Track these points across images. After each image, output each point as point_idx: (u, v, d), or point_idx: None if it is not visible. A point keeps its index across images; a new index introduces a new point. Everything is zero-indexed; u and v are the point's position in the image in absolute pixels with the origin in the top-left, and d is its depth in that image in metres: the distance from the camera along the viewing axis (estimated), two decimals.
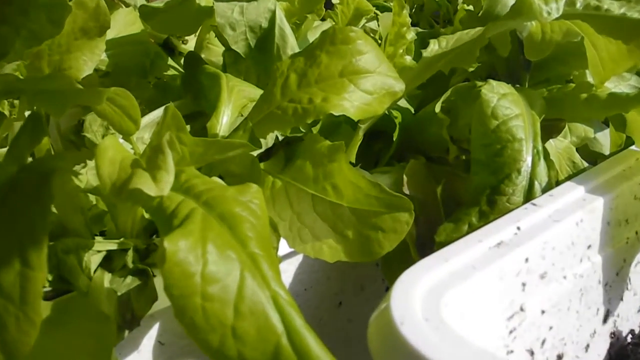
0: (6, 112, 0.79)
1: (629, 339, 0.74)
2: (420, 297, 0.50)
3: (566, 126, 0.84)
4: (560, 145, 0.82)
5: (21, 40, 0.54)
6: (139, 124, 0.59)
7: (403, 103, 0.85)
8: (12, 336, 0.37)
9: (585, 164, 0.81)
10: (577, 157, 0.81)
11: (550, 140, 0.80)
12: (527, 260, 0.59)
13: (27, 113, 0.79)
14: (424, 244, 0.72)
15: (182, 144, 0.61)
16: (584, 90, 0.80)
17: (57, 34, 0.56)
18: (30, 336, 0.37)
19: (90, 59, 0.75)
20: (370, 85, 0.65)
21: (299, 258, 0.74)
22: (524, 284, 0.59)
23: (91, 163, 0.67)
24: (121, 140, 0.67)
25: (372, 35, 1.11)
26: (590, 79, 0.81)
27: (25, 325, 0.37)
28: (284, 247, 0.64)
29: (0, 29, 0.52)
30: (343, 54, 0.66)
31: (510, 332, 0.59)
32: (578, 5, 0.75)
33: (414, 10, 1.32)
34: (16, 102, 0.79)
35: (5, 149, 0.80)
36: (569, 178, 0.77)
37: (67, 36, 0.71)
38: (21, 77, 0.77)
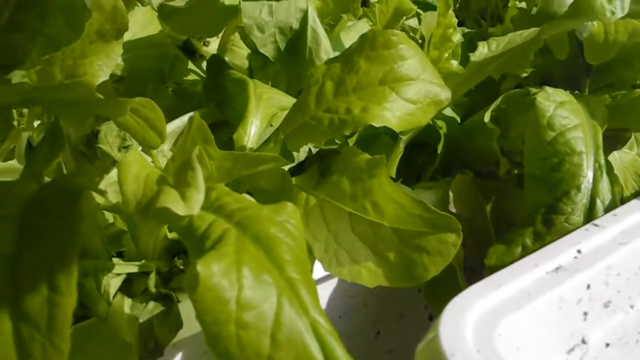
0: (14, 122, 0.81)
1: None
2: (471, 326, 0.51)
3: (632, 136, 0.85)
4: (626, 158, 0.82)
5: (38, 48, 0.56)
6: (164, 137, 0.61)
7: (448, 112, 0.85)
8: None
9: None
10: None
11: (614, 152, 0.80)
12: (588, 287, 0.60)
13: (36, 123, 0.82)
14: (472, 268, 0.73)
15: (210, 157, 0.63)
16: None
17: (76, 40, 0.58)
18: None
19: (106, 64, 0.77)
20: (413, 94, 0.66)
21: (333, 282, 0.75)
22: (585, 314, 0.60)
23: (108, 178, 0.69)
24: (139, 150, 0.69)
25: (412, 34, 1.11)
26: None
27: (53, 355, 0.39)
28: (318, 271, 0.65)
29: (16, 37, 0.53)
30: (384, 60, 0.67)
31: None
32: None
33: (458, 6, 1.32)
34: (25, 110, 0.81)
35: (12, 162, 0.84)
36: (635, 194, 0.78)
37: (82, 40, 0.73)
38: (30, 82, 0.79)
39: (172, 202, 0.48)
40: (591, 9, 0.72)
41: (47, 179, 0.75)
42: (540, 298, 0.56)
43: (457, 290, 0.69)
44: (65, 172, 0.79)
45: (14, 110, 0.79)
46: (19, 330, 0.40)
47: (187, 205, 0.48)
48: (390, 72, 0.66)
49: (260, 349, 0.44)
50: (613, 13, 0.73)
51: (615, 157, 0.80)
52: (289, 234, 0.50)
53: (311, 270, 0.61)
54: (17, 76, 0.77)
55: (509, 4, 1.05)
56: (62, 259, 0.41)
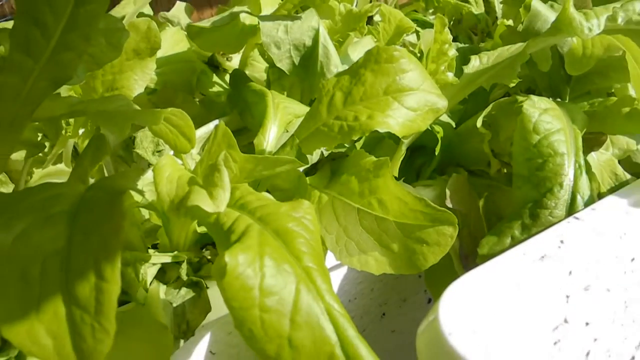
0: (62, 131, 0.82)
1: None
2: (467, 309, 0.51)
3: (608, 139, 0.84)
4: (602, 158, 0.81)
5: (83, 65, 0.57)
6: (194, 142, 0.61)
7: (444, 118, 0.85)
8: (88, 345, 0.40)
9: (628, 176, 0.80)
10: (620, 170, 0.81)
11: (592, 153, 0.80)
12: (570, 273, 0.60)
13: (81, 131, 0.83)
14: (467, 256, 0.73)
15: (234, 160, 0.64)
16: (625, 104, 0.80)
17: (116, 57, 0.59)
18: (105, 344, 0.39)
19: (141, 78, 0.78)
20: (414, 103, 0.66)
21: (343, 270, 0.75)
22: (567, 297, 0.60)
23: (144, 179, 0.70)
24: (171, 154, 0.69)
25: (412, 49, 1.12)
26: (632, 92, 0.82)
27: (101, 335, 0.40)
28: (330, 260, 0.65)
29: (65, 56, 0.54)
30: (387, 73, 0.67)
31: (555, 343, 0.60)
32: (619, 20, 0.75)
33: (452, 23, 1.32)
34: (71, 120, 0.81)
35: (60, 165, 0.84)
36: (611, 190, 0.78)
37: (120, 57, 0.73)
38: (76, 95, 0.80)
39: (202, 200, 0.49)
40: (571, 26, 0.72)
41: (91, 180, 0.76)
42: (528, 283, 0.57)
43: (454, 276, 0.69)
44: (106, 173, 0.80)
45: (63, 120, 0.79)
46: (71, 313, 0.41)
47: (215, 203, 0.49)
48: (393, 84, 0.67)
49: (281, 330, 0.44)
50: (590, 30, 0.73)
51: (593, 157, 0.79)
52: (305, 228, 0.50)
53: (325, 254, 0.62)
54: (64, 90, 0.78)
55: (498, 22, 1.05)
56: (108, 251, 0.41)
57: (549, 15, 0.88)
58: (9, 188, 0.83)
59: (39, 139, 0.81)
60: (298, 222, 0.50)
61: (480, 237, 0.71)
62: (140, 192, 0.61)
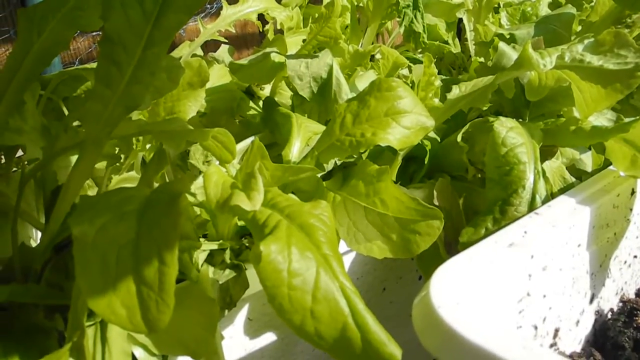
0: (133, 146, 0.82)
1: (609, 316, 0.74)
2: (453, 286, 0.51)
3: (558, 150, 0.84)
4: (554, 165, 0.81)
5: (149, 95, 0.56)
6: (234, 154, 0.61)
7: (432, 134, 0.85)
8: (153, 315, 0.39)
9: (573, 179, 0.80)
10: (567, 174, 0.80)
11: (546, 161, 0.80)
12: (532, 257, 0.59)
13: (148, 145, 0.82)
14: (450, 243, 0.72)
15: (266, 169, 0.63)
16: (572, 123, 0.79)
17: (174, 89, 0.58)
18: (166, 315, 0.39)
19: (194, 105, 0.78)
20: (408, 122, 0.66)
21: (352, 255, 0.74)
22: (530, 275, 0.60)
23: (196, 183, 0.69)
24: (216, 163, 0.69)
25: (404, 80, 1.11)
26: (576, 114, 0.81)
27: (163, 307, 0.39)
28: (342, 246, 0.64)
29: (135, 88, 0.54)
30: (387, 99, 0.66)
31: (520, 312, 0.59)
32: (566, 58, 0.74)
33: (435, 60, 1.31)
34: (140, 137, 0.81)
35: (132, 172, 0.84)
36: (561, 191, 0.77)
37: (178, 88, 0.73)
38: (143, 118, 0.80)
39: (241, 201, 0.48)
40: (530, 63, 0.72)
41: (155, 185, 0.75)
42: (499, 265, 0.56)
43: (440, 259, 0.69)
44: (167, 179, 0.80)
45: (134, 138, 0.79)
46: (140, 290, 0.40)
47: (252, 203, 0.48)
48: (392, 108, 0.66)
49: (304, 304, 0.44)
50: (545, 66, 0.72)
51: (547, 165, 0.79)
52: (323, 223, 0.49)
53: (339, 243, 0.61)
54: (135, 114, 0.78)
55: (472, 59, 1.04)
56: (168, 242, 0.41)
57: (512, 54, 0.87)
58: (94, 190, 0.83)
59: (116, 152, 0.81)
60: (318, 218, 0.50)
61: (460, 228, 0.70)
62: (193, 195, 0.61)
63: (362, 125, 0.66)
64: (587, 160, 0.88)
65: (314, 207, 0.51)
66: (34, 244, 0.77)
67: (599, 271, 0.71)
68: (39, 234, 0.76)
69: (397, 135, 0.64)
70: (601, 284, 0.72)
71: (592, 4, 1.19)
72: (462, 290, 0.50)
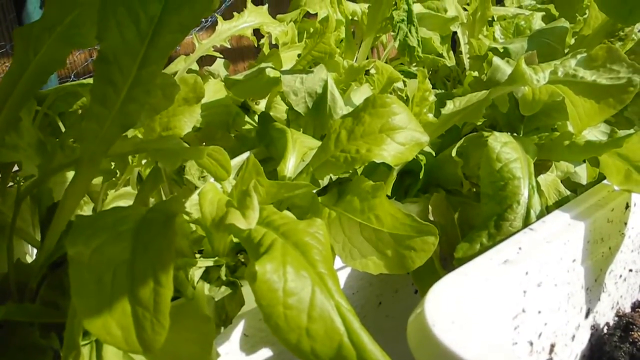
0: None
1: (605, 330, 0.74)
2: (448, 304, 0.51)
3: (552, 164, 0.84)
4: (549, 179, 0.81)
5: (145, 113, 0.56)
6: (229, 172, 0.61)
7: (427, 148, 0.85)
8: (148, 335, 0.39)
9: (568, 192, 0.80)
10: (562, 187, 0.81)
11: (541, 175, 0.80)
12: (527, 273, 0.60)
13: (144, 161, 0.83)
14: (445, 259, 0.73)
15: (261, 185, 0.63)
16: (566, 137, 0.80)
17: (170, 106, 0.59)
18: (162, 335, 0.39)
19: (189, 120, 0.78)
20: (403, 139, 0.66)
21: (348, 269, 0.74)
22: (525, 291, 0.60)
23: (192, 200, 0.69)
24: (211, 180, 0.69)
25: (399, 93, 1.11)
26: (570, 128, 0.82)
27: (158, 328, 0.39)
28: (338, 262, 0.65)
29: (131, 107, 0.54)
30: (382, 115, 0.66)
31: (515, 328, 0.59)
32: (559, 73, 0.75)
33: (430, 72, 1.31)
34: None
35: (127, 188, 0.84)
36: (556, 204, 0.77)
37: (173, 105, 0.74)
38: (139, 135, 0.80)
39: (236, 219, 0.48)
40: (523, 78, 0.72)
41: (152, 200, 0.76)
42: (494, 282, 0.56)
43: (435, 274, 0.69)
44: (163, 194, 0.80)
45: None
46: (135, 311, 0.41)
47: (247, 221, 0.48)
48: (387, 124, 0.66)
49: (300, 323, 0.44)
50: (538, 81, 0.73)
51: (541, 178, 0.79)
52: (318, 241, 0.49)
53: (334, 261, 0.61)
54: (130, 130, 0.78)
55: (466, 72, 1.04)
56: (163, 262, 0.41)
57: (506, 69, 0.88)
58: (89, 206, 0.83)
59: (112, 167, 0.81)
60: (313, 236, 0.50)
61: (456, 243, 0.70)
62: (188, 214, 0.61)
63: (356, 142, 0.66)
64: (582, 173, 0.88)
65: (309, 225, 0.51)
66: (29, 260, 0.77)
67: (594, 286, 0.71)
68: (35, 249, 0.76)
69: (391, 152, 0.64)
70: (597, 299, 0.73)
71: (585, 16, 1.20)
72: (457, 308, 0.50)
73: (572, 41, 1.17)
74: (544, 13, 1.38)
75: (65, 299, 0.60)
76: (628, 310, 0.78)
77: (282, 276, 0.45)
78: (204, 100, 0.82)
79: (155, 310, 0.40)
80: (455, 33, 1.34)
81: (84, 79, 1.22)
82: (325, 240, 0.50)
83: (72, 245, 0.43)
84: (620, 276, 0.76)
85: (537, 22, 1.29)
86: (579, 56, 0.77)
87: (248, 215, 0.49)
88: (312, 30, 1.04)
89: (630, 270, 0.78)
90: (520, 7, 1.61)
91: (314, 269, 0.46)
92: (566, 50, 1.11)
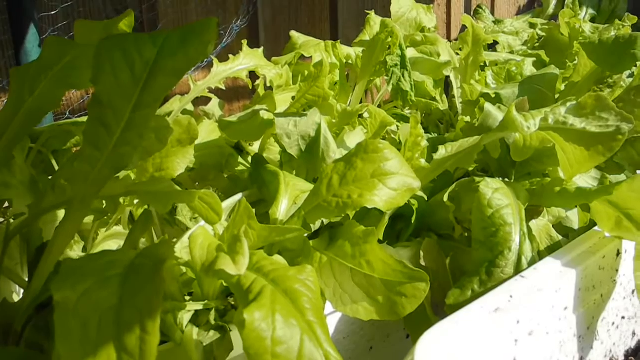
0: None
1: None
2: (438, 353, 0.50)
3: (544, 209, 0.85)
4: (541, 224, 0.82)
5: (137, 155, 0.56)
6: (221, 215, 0.61)
7: (419, 193, 0.85)
8: None
9: (560, 237, 0.80)
10: (554, 232, 0.81)
11: (533, 220, 0.80)
12: (518, 322, 0.59)
13: (135, 201, 0.82)
14: (437, 304, 0.72)
15: (252, 229, 0.63)
16: (557, 184, 0.81)
17: (162, 149, 0.59)
18: None
19: (182, 162, 0.77)
20: (395, 184, 0.66)
21: (339, 314, 0.73)
22: (516, 340, 0.59)
23: (182, 242, 0.68)
24: (202, 223, 0.68)
25: (392, 136, 1.12)
26: (561, 174, 0.82)
27: None
28: (328, 307, 0.64)
29: (124, 149, 0.54)
30: (374, 161, 0.67)
31: None
32: (550, 121, 0.76)
33: (423, 116, 1.33)
34: None
35: (119, 227, 0.84)
36: (548, 249, 0.78)
37: (166, 146, 0.74)
38: (131, 175, 0.80)
39: (226, 265, 0.48)
40: (514, 125, 0.73)
41: (143, 240, 0.75)
42: (485, 331, 0.56)
43: (427, 319, 0.68)
44: (154, 235, 0.79)
45: None
46: (121, 357, 0.40)
47: (237, 267, 0.48)
48: (379, 169, 0.66)
49: None
50: (529, 128, 0.74)
51: (533, 223, 0.80)
52: (308, 289, 0.49)
53: (324, 309, 0.60)
54: (122, 172, 0.78)
55: (459, 117, 1.06)
56: (150, 309, 0.40)
57: (498, 115, 0.89)
58: (80, 245, 0.82)
59: (103, 206, 0.81)
60: (302, 283, 0.49)
61: (447, 288, 0.70)
62: (177, 259, 0.61)
63: (349, 187, 0.66)
64: (574, 218, 0.89)
65: (299, 272, 0.51)
66: (16, 299, 0.76)
67: (587, 334, 0.71)
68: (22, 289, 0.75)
69: (383, 197, 0.64)
70: (589, 347, 0.72)
71: (575, 62, 1.22)
72: (448, 357, 0.50)
73: (562, 87, 1.19)
74: (534, 59, 1.41)
75: (50, 341, 0.59)
76: (621, 358, 0.78)
77: (271, 324, 0.44)
78: (198, 141, 0.82)
79: (142, 358, 0.39)
80: (448, 77, 1.36)
81: (80, 116, 1.22)
82: (315, 287, 0.50)
83: (58, 289, 0.43)
84: (613, 323, 0.76)
85: (528, 68, 1.31)
86: (568, 104, 0.78)
87: (238, 261, 0.48)
88: (306, 73, 1.06)
89: (623, 318, 0.77)
90: (511, 52, 1.64)
91: (303, 317, 0.46)
92: (556, 96, 1.13)
